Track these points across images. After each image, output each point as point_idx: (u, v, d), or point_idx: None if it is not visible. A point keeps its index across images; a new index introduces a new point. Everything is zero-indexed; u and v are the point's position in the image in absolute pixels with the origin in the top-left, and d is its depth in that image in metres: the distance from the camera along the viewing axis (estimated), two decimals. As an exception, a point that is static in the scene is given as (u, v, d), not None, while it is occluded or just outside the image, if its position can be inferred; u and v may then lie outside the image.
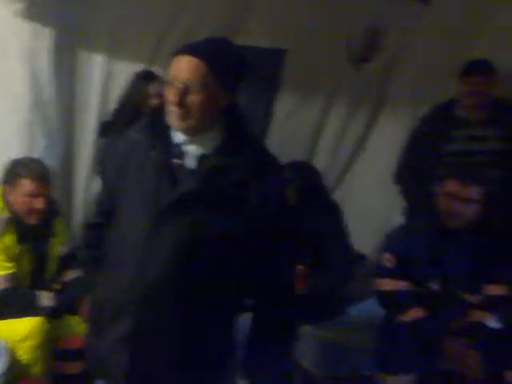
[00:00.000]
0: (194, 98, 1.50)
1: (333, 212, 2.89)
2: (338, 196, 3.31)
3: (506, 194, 2.75)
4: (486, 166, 2.74)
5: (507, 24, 3.11)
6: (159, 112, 1.62)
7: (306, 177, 2.89)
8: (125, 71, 3.09)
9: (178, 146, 1.58)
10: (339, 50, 3.48)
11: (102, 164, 1.89)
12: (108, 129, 2.94)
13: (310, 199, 2.79)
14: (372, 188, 3.54)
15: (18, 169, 2.50)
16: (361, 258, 3.29)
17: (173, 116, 1.54)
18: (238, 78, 1.59)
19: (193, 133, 1.56)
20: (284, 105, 3.57)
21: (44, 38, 2.84)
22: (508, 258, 2.44)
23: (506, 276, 2.45)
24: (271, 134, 3.57)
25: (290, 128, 3.58)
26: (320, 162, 3.64)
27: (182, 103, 1.50)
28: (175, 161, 1.57)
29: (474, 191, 2.35)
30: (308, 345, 2.66)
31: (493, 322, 2.39)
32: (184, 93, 1.49)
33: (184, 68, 1.50)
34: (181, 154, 1.57)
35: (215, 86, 1.51)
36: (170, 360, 1.63)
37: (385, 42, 3.48)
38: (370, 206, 3.50)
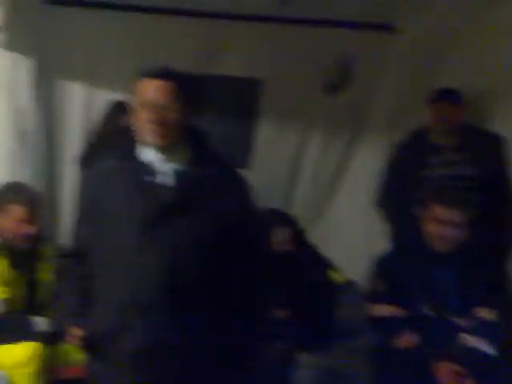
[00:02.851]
0: (171, 116, 1.65)
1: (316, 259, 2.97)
2: (321, 224, 3.35)
3: (484, 218, 2.83)
4: (464, 190, 2.83)
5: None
6: (125, 135, 1.74)
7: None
8: (104, 99, 3.09)
9: (150, 164, 1.69)
10: (314, 80, 3.56)
11: (80, 197, 1.91)
12: (86, 161, 2.94)
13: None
14: (355, 214, 3.61)
15: (7, 194, 2.46)
16: (350, 284, 3.33)
17: (150, 134, 1.65)
18: (196, 99, 1.79)
19: (166, 150, 1.68)
20: (263, 135, 3.63)
21: (24, 69, 2.84)
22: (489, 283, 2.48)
23: (493, 300, 2.48)
24: (253, 161, 3.64)
25: (269, 158, 3.65)
26: (300, 190, 3.73)
27: (161, 122, 1.64)
28: (148, 178, 1.67)
29: (459, 215, 2.41)
30: (304, 372, 2.66)
31: (486, 347, 2.36)
32: (162, 112, 1.64)
33: (158, 90, 1.65)
34: (153, 171, 1.68)
35: (184, 104, 1.68)
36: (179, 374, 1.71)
37: (358, 70, 3.59)
38: (355, 231, 3.56)
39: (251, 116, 3.59)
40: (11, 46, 2.75)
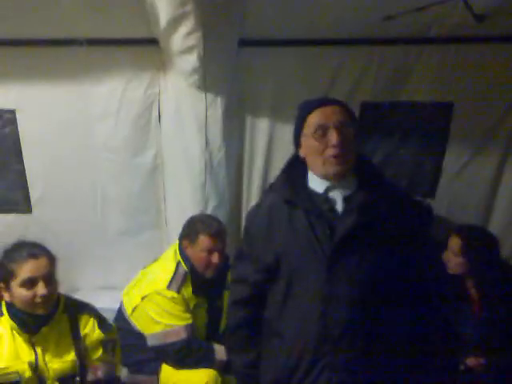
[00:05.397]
0: (352, 138, 1.65)
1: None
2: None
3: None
4: None
5: None
6: (293, 166, 1.76)
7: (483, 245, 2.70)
8: (286, 135, 3.17)
9: (322, 194, 1.68)
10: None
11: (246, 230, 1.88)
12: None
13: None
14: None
15: (197, 225, 2.64)
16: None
17: (330, 162, 1.64)
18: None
19: (339, 177, 1.67)
20: (456, 159, 3.41)
21: (216, 107, 3.01)
22: None
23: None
24: (442, 189, 3.45)
25: (463, 183, 3.42)
26: (497, 220, 3.45)
27: (344, 144, 1.63)
28: (325, 209, 1.66)
29: None
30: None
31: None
32: (345, 133, 1.64)
33: (334, 113, 1.65)
34: (328, 201, 1.67)
35: (354, 127, 1.67)
36: None
37: None
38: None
39: (440, 143, 3.39)
40: (205, 87, 2.95)
